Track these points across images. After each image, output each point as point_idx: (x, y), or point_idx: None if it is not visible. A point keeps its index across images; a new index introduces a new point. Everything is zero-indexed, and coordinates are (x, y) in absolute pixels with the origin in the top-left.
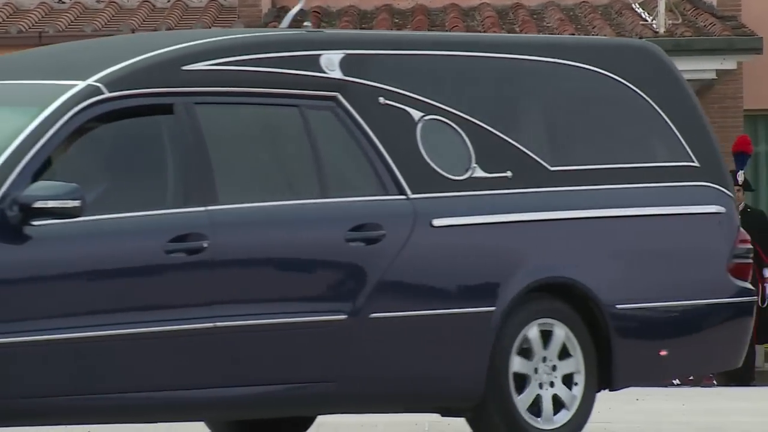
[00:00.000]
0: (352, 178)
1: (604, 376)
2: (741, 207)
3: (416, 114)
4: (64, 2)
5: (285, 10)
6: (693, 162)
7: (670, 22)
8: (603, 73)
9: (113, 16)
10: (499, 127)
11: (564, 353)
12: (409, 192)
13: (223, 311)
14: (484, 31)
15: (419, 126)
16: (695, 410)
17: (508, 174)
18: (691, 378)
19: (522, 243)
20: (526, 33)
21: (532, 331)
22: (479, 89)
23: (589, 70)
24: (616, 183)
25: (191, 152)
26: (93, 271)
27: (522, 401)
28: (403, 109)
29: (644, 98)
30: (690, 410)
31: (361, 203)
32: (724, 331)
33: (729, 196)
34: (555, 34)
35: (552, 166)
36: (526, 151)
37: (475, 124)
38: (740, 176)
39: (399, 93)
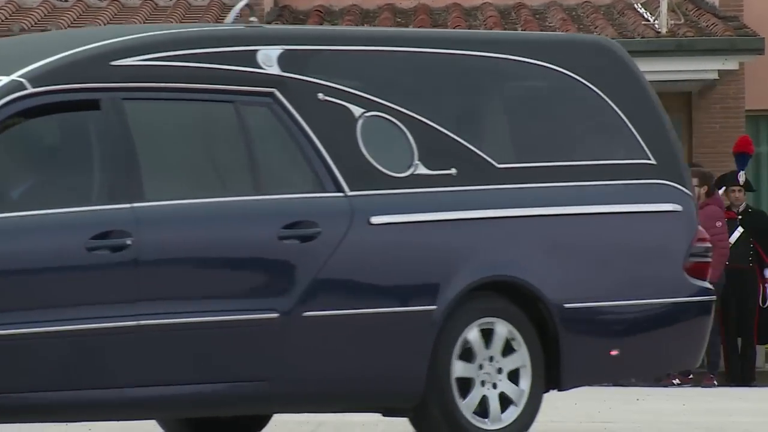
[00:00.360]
0: (287, 175)
1: (553, 375)
2: (742, 207)
3: (357, 110)
4: (66, 0)
5: (288, 8)
6: (649, 160)
7: (672, 22)
8: (556, 70)
9: (116, 15)
10: (445, 124)
11: (509, 352)
12: (347, 189)
13: (148, 309)
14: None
15: (360, 122)
16: (696, 410)
17: (453, 171)
18: (691, 377)
19: (465, 241)
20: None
21: (476, 330)
22: (424, 86)
23: (542, 66)
24: (568, 181)
25: (117, 148)
26: (13, 269)
27: (467, 405)
28: (344, 106)
29: (599, 95)
30: (690, 410)
31: (296, 200)
32: (680, 330)
33: (687, 194)
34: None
35: (499, 164)
36: (473, 148)
37: (419, 121)
38: (741, 177)
39: (339, 89)
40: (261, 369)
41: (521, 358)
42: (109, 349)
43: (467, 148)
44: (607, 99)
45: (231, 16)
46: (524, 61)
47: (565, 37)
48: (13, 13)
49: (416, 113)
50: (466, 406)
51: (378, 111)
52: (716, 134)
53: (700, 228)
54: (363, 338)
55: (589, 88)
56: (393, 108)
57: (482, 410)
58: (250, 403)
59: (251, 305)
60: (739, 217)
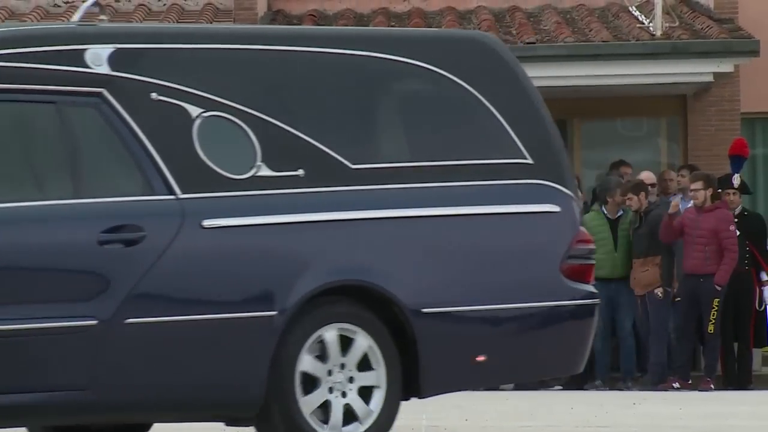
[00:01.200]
0: (113, 178)
1: (413, 382)
2: (738, 210)
3: (194, 110)
4: (59, 6)
5: (281, 13)
6: (526, 159)
7: (667, 24)
8: (423, 66)
9: (109, 20)
10: (294, 124)
11: (364, 364)
12: (178, 192)
13: None
14: None
15: (197, 123)
16: (692, 414)
17: (300, 172)
18: (690, 382)
19: (310, 245)
20: (523, 36)
21: (323, 337)
22: (273, 85)
23: (407, 63)
24: (432, 181)
25: None
26: None
27: (307, 402)
28: (179, 106)
29: (472, 92)
30: (687, 414)
31: (119, 204)
32: (557, 335)
33: (568, 194)
34: (552, 37)
35: (354, 164)
36: (324, 148)
37: (265, 120)
38: (736, 179)
39: (175, 89)
40: (79, 377)
41: (377, 378)
42: None
43: (318, 148)
44: (481, 97)
45: (78, 14)
46: (389, 59)
47: (439, 34)
48: (6, 19)
49: (262, 113)
50: (306, 403)
51: (218, 111)
52: (711, 137)
53: (582, 229)
54: (195, 345)
55: (461, 85)
56: (235, 108)
57: (325, 416)
58: (70, 411)
59: (69, 312)
60: (735, 220)
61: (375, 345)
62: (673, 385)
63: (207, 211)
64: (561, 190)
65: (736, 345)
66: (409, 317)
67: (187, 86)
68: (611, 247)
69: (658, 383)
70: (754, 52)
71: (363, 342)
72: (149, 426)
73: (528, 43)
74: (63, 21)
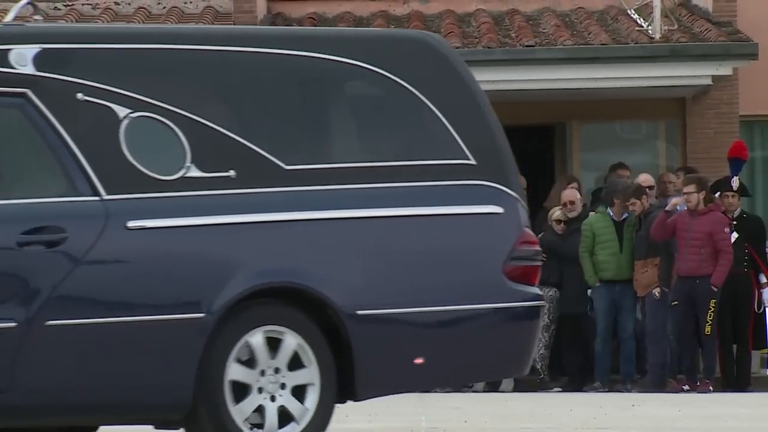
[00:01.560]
0: (37, 179)
1: (349, 385)
2: (737, 213)
3: (122, 111)
4: (59, 9)
5: (281, 16)
6: (468, 160)
7: (666, 27)
8: (362, 66)
9: (109, 23)
10: (225, 125)
11: (295, 363)
12: (103, 193)
13: None
14: (479, 38)
15: (124, 123)
16: (691, 416)
17: (231, 173)
18: (698, 384)
19: (240, 246)
20: (522, 39)
21: (255, 339)
22: (205, 85)
23: (346, 63)
24: (369, 182)
25: None
26: None
27: (239, 411)
28: (106, 106)
29: (413, 92)
30: (686, 416)
31: (40, 205)
32: (499, 337)
33: (511, 195)
34: (551, 40)
35: (288, 165)
36: (257, 149)
37: (195, 121)
38: (735, 182)
39: (102, 89)
40: None
41: (309, 375)
42: None
43: (250, 149)
44: (422, 97)
45: (11, 14)
46: (327, 59)
47: (378, 34)
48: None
49: (192, 114)
50: (238, 411)
51: (147, 111)
52: (710, 140)
53: (526, 231)
54: (119, 348)
55: (401, 85)
56: (164, 108)
57: (260, 422)
58: None
59: None
60: (734, 222)
61: (305, 343)
62: (683, 387)
63: (132, 212)
64: (505, 192)
65: (735, 347)
66: (343, 319)
67: (114, 86)
68: (616, 249)
69: (658, 385)
70: (753, 55)
71: (291, 341)
72: (96, 427)
73: (527, 46)
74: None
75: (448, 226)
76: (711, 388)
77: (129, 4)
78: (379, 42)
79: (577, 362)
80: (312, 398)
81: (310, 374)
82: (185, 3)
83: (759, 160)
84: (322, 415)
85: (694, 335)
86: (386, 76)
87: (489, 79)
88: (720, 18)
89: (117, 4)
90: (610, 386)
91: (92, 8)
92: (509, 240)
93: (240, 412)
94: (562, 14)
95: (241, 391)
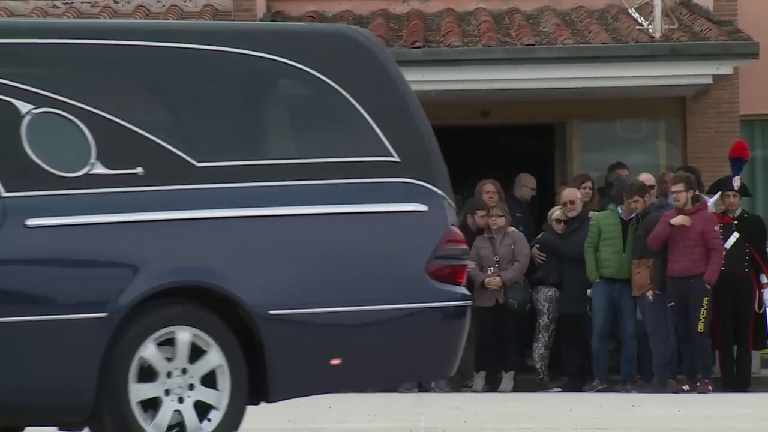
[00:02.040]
0: None
1: (263, 386)
2: (738, 213)
3: (24, 106)
4: (58, 7)
5: (280, 14)
6: (392, 157)
7: (667, 26)
8: (282, 62)
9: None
10: (133, 121)
11: (198, 356)
12: (2, 190)
13: None
14: (479, 37)
15: (26, 119)
16: (691, 416)
17: (139, 171)
18: (698, 384)
19: (146, 245)
20: (522, 38)
21: (152, 346)
22: (114, 81)
23: (265, 58)
24: (287, 179)
25: None
26: None
27: (156, 425)
28: (7, 101)
29: (334, 88)
30: (686, 416)
31: None
32: (422, 337)
33: (437, 193)
34: (551, 39)
35: (199, 162)
36: (168, 146)
37: (101, 117)
38: (736, 182)
39: (3, 84)
40: None
41: (214, 360)
42: None
43: (159, 146)
44: (345, 93)
45: None
46: (246, 54)
47: (301, 28)
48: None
49: (98, 109)
50: (156, 427)
51: (51, 107)
52: (711, 139)
53: (452, 229)
54: (18, 348)
55: (323, 81)
56: (69, 104)
57: (181, 424)
58: None
59: None
60: (735, 222)
61: (199, 332)
62: (683, 387)
63: (31, 209)
64: (430, 189)
65: (735, 347)
66: (255, 320)
67: (16, 82)
68: (620, 247)
69: (665, 385)
70: (754, 55)
71: (184, 336)
72: (22, 428)
73: (527, 45)
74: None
75: (368, 225)
76: (710, 387)
77: (128, 2)
78: (302, 37)
79: (576, 362)
80: (224, 381)
81: (215, 358)
82: (184, 1)
83: (759, 159)
84: (239, 396)
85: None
86: (307, 71)
87: (489, 78)
88: (720, 17)
89: (116, 2)
90: (610, 386)
91: (91, 6)
92: (433, 238)
93: (158, 427)
94: (562, 13)
95: (152, 405)
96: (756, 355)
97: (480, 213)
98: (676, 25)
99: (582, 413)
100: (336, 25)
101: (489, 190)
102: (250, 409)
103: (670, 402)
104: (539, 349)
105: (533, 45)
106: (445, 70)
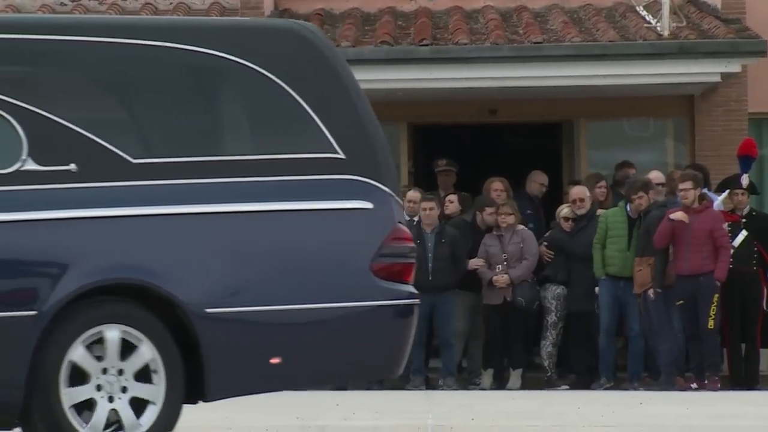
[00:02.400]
0: None
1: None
2: (746, 211)
3: None
4: (65, 4)
5: (288, 12)
6: (337, 154)
7: (675, 24)
8: (223, 57)
9: None
10: (68, 117)
11: (130, 352)
12: None
13: None
14: (487, 35)
15: None
16: (699, 414)
17: (72, 167)
18: (694, 385)
19: (78, 242)
20: (529, 36)
21: (81, 349)
22: (46, 76)
23: (204, 53)
24: (227, 176)
25: None
26: None
27: (93, 427)
28: None
29: (278, 83)
30: (694, 414)
31: None
32: (366, 336)
33: (383, 190)
34: (559, 36)
35: (136, 159)
36: (102, 142)
37: (34, 113)
38: (744, 180)
39: None
40: None
41: (146, 354)
42: None
43: (94, 142)
44: (289, 88)
45: None
46: (187, 49)
47: (243, 24)
48: None
49: (32, 105)
50: (93, 429)
51: None
52: (719, 137)
53: (399, 226)
54: None
55: (265, 76)
56: (1, 100)
57: (119, 422)
58: None
59: None
60: (743, 220)
61: (128, 328)
62: (691, 385)
63: None
64: (376, 186)
65: (743, 345)
66: (191, 317)
67: None
68: (625, 245)
69: (673, 383)
70: (762, 53)
71: (113, 333)
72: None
73: (535, 42)
74: None
75: (310, 222)
76: (719, 385)
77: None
78: (245, 33)
79: (584, 360)
80: (149, 416)
81: (147, 352)
82: None
83: (767, 158)
84: (176, 389)
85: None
86: (250, 67)
87: (496, 76)
88: (729, 15)
89: None
90: (617, 384)
91: (99, 3)
92: (378, 236)
93: (95, 429)
94: (570, 11)
95: (78, 380)
96: (764, 353)
97: (488, 210)
98: (684, 23)
99: (590, 411)
100: (282, 20)
101: (497, 187)
102: (259, 407)
103: (678, 400)
104: (547, 347)
105: (541, 43)
106: (452, 68)
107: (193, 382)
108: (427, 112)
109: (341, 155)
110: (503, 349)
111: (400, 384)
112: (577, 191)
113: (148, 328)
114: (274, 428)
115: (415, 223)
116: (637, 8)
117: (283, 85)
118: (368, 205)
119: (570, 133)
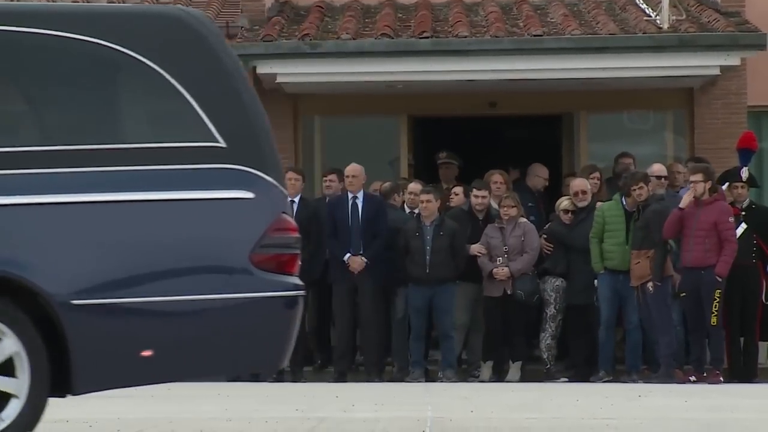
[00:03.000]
0: None
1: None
2: (745, 204)
3: None
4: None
5: (288, 4)
6: (218, 143)
7: (674, 17)
8: (96, 42)
9: None
10: None
11: (5, 365)
12: None
13: None
14: (487, 28)
15: None
16: (698, 406)
17: None
18: (693, 378)
19: None
20: (530, 29)
21: None
22: None
23: (77, 39)
24: (98, 165)
25: None
26: None
27: None
28: None
29: (155, 70)
30: (693, 406)
31: None
32: (245, 328)
33: (266, 180)
34: (559, 29)
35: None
36: None
37: None
38: (744, 173)
39: None
40: None
41: (10, 347)
42: None
43: None
44: (167, 75)
45: None
46: (59, 35)
47: (120, 9)
48: None
49: None
50: None
51: None
52: (718, 130)
53: (283, 217)
54: None
55: (142, 62)
56: None
57: None
58: None
59: None
60: (743, 213)
61: (23, 351)
62: (690, 378)
63: None
64: (258, 176)
65: (742, 338)
66: (56, 309)
67: None
68: (623, 239)
69: (672, 375)
70: (761, 46)
71: (10, 345)
72: None
73: (535, 35)
74: None
75: (187, 212)
76: (721, 378)
77: None
78: (123, 18)
79: (583, 352)
80: (23, 368)
81: (9, 346)
82: None
83: (766, 151)
84: (41, 383)
85: (702, 326)
86: (125, 53)
87: (496, 68)
88: (728, 8)
89: None
90: (616, 376)
91: None
92: (259, 227)
93: None
94: (570, 4)
95: None
96: (763, 346)
97: (476, 192)
98: (684, 16)
99: (589, 403)
100: (169, 7)
101: (497, 180)
102: (257, 399)
103: (677, 392)
104: (546, 339)
105: (541, 36)
106: (452, 60)
107: (61, 376)
108: (427, 104)
109: (222, 144)
110: (503, 341)
111: (400, 376)
112: (579, 183)
113: (12, 320)
114: (273, 420)
115: (414, 215)
116: (637, 1)
117: (162, 72)
118: (249, 194)
119: (570, 125)
